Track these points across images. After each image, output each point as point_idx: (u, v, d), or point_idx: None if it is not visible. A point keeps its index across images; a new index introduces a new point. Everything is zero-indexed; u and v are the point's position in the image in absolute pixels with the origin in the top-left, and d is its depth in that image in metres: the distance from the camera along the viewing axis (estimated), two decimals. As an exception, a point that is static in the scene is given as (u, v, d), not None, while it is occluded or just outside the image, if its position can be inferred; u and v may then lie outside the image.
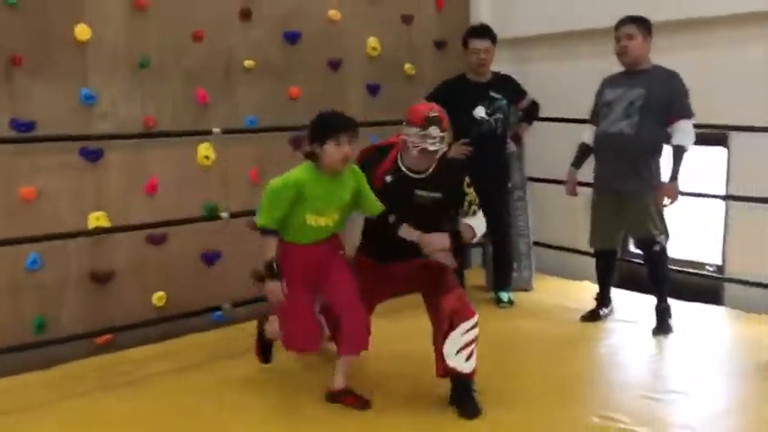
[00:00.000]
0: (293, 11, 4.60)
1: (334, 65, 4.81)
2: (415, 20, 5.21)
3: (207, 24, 4.21)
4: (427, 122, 3.07)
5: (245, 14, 4.36)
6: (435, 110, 3.14)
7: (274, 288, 3.07)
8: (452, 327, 3.02)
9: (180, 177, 4.20)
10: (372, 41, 4.98)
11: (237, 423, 3.11)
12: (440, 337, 3.07)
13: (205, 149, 4.24)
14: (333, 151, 3.02)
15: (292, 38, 4.59)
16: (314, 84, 4.72)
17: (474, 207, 3.27)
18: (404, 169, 3.21)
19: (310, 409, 3.19)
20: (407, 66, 5.20)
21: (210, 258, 4.35)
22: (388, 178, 3.21)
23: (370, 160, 3.29)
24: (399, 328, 3.92)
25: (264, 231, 3.08)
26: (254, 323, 3.71)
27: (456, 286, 3.19)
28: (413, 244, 3.14)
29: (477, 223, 3.28)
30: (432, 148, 3.08)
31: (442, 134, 3.10)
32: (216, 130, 4.19)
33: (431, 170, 3.22)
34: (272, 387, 3.45)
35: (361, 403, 3.16)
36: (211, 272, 4.36)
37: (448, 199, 3.24)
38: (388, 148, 3.31)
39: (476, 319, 3.07)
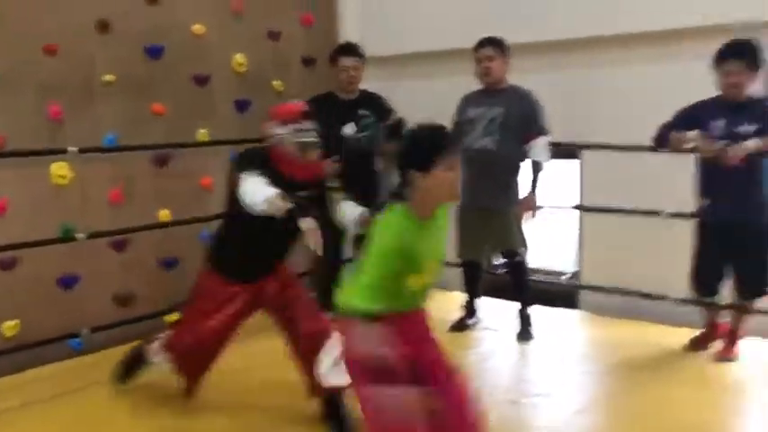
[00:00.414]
0: (156, 24, 4.46)
1: (201, 80, 4.71)
2: (282, 36, 5.20)
3: (61, 37, 3.99)
4: (302, 116, 3.00)
5: (103, 27, 4.17)
6: (305, 105, 3.11)
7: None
8: (318, 347, 2.94)
9: (32, 198, 3.95)
10: (239, 57, 4.92)
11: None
12: (306, 359, 3.06)
13: (59, 168, 4.01)
14: (445, 178, 2.23)
15: (155, 52, 4.45)
16: (179, 100, 4.60)
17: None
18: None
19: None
20: (276, 82, 5.18)
21: (67, 282, 4.11)
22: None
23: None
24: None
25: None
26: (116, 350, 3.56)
27: (313, 305, 3.22)
28: (285, 250, 3.13)
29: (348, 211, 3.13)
30: (312, 139, 2.98)
31: (314, 126, 3.01)
32: (72, 148, 3.98)
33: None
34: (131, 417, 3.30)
35: None
36: (69, 296, 4.12)
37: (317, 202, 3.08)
38: (265, 150, 3.05)
39: (337, 334, 3.02)
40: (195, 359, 3.22)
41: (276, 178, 2.83)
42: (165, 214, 4.50)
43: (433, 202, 2.27)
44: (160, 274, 4.56)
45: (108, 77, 4.22)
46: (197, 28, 4.66)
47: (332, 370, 2.91)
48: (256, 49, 5.05)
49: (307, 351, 3.07)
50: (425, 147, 2.26)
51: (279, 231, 2.90)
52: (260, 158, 2.95)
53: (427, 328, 2.50)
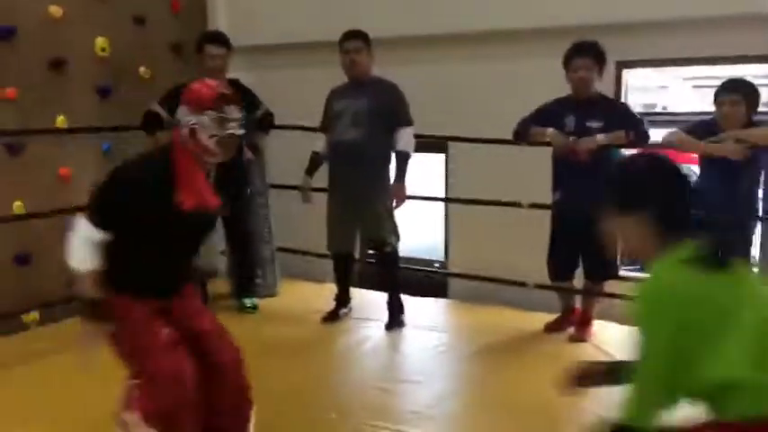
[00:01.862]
0: (6, 4, 4.18)
1: (57, 64, 4.45)
2: (148, 21, 5.01)
3: None
4: (222, 101, 2.38)
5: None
6: (221, 86, 2.50)
7: None
8: (244, 414, 2.60)
9: None
10: (101, 41, 4.69)
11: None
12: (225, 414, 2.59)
13: None
14: None
15: (6, 33, 4.16)
16: (34, 85, 4.33)
17: None
18: None
19: None
20: (142, 69, 4.98)
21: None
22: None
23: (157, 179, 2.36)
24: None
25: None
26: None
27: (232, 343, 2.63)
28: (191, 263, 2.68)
29: None
30: (237, 132, 2.41)
31: (240, 115, 2.43)
32: None
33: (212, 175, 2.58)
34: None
35: None
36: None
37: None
38: (164, 158, 2.41)
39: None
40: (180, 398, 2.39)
41: (164, 209, 2.32)
42: (18, 206, 4.23)
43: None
44: (15, 270, 4.29)
45: (-50, 59, 3.91)
46: (54, 10, 4.41)
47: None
48: (120, 34, 4.84)
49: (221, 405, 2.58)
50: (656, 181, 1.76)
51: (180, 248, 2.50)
52: (150, 177, 2.35)
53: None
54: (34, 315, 4.27)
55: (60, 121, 4.45)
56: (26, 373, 3.63)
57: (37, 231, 4.32)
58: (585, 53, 3.86)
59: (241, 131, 2.45)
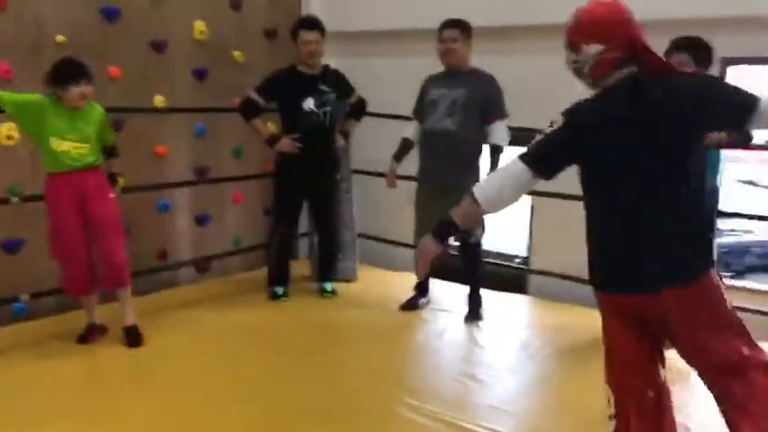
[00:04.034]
0: (113, -13, 4.36)
1: (158, 46, 4.61)
2: (244, 7, 5.12)
3: (12, -6, 3.88)
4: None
5: (57, -14, 4.06)
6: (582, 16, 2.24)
7: None
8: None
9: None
10: (199, 25, 4.83)
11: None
12: None
13: (8, 129, 3.89)
14: None
15: (111, 15, 4.34)
16: (135, 65, 4.50)
17: None
18: None
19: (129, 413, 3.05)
20: (236, 53, 5.10)
21: (12, 246, 4.01)
22: None
23: None
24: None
25: None
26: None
27: None
28: None
29: None
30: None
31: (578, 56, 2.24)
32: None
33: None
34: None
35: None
36: (12, 261, 4.02)
37: None
38: None
39: None
40: None
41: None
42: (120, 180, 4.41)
43: None
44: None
45: (59, 38, 4.10)
46: (157, -8, 4.56)
47: None
48: (218, 18, 4.96)
49: None
50: None
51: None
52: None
53: None
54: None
55: (158, 101, 4.61)
56: (116, 341, 3.79)
57: (133, 204, 4.49)
58: (683, 50, 3.69)
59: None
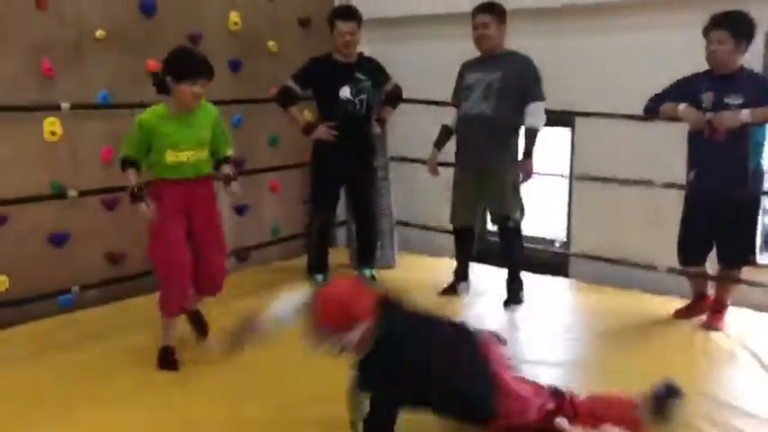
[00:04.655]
0: (149, -19, 4.40)
1: (194, 39, 4.65)
2: (277, -4, 5.14)
3: (52, -10, 3.95)
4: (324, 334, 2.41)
5: (95, -18, 4.12)
6: (329, 308, 2.41)
7: None
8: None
9: (23, 154, 3.93)
10: (234, 16, 4.86)
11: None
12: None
13: (51, 125, 3.98)
14: None
15: (148, 8, 4.39)
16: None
17: None
18: None
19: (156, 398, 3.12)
20: (271, 42, 5.12)
21: (58, 240, 4.11)
22: None
23: None
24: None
25: None
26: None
27: None
28: None
29: None
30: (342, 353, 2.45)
31: (348, 337, 2.38)
32: (64, 104, 3.94)
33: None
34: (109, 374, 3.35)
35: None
36: (59, 254, 4.13)
37: None
38: None
39: None
40: None
41: None
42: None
43: None
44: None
45: (99, 33, 4.16)
46: (191, -15, 4.60)
47: None
48: (252, 8, 4.99)
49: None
50: None
51: None
52: None
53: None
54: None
55: (195, 93, 4.66)
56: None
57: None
58: (721, 25, 3.60)
59: None
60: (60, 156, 4.08)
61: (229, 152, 3.48)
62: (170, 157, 3.18)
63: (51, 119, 3.97)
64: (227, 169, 3.45)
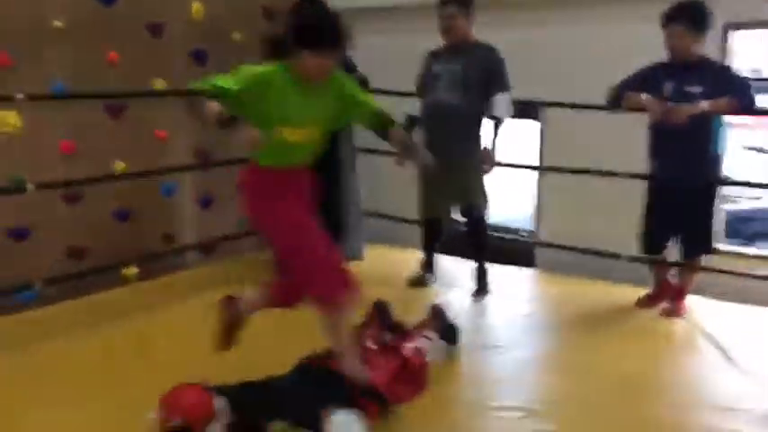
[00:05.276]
0: (108, -31, 4.32)
1: (156, 29, 4.58)
2: (242, -14, 5.08)
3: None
4: None
5: (52, -29, 4.03)
6: (176, 413, 2.34)
7: None
8: None
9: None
10: (197, 6, 4.79)
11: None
12: None
13: (7, 116, 3.87)
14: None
15: (108, -1, 4.32)
16: (134, 48, 4.47)
17: None
18: None
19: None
20: (236, 33, 5.06)
21: (18, 234, 4.03)
22: None
23: None
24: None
25: None
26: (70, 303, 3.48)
27: None
28: None
29: None
30: None
31: None
32: (20, 95, 3.85)
33: None
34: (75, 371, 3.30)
35: None
36: (20, 249, 4.04)
37: None
38: None
39: None
40: None
41: None
42: (120, 166, 4.41)
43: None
44: (115, 226, 4.50)
45: (57, 23, 4.08)
46: (152, -26, 4.52)
47: None
48: (215, -1, 4.92)
49: None
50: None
51: None
52: None
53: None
54: (134, 270, 4.45)
55: (158, 85, 4.59)
56: (125, 325, 3.81)
57: (136, 190, 4.51)
58: (677, 17, 3.66)
59: None
60: (19, 148, 3.99)
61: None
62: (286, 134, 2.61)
63: (7, 111, 3.87)
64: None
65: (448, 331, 3.40)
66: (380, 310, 3.40)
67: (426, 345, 3.18)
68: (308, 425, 2.45)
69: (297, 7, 2.81)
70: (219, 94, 2.54)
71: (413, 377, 2.97)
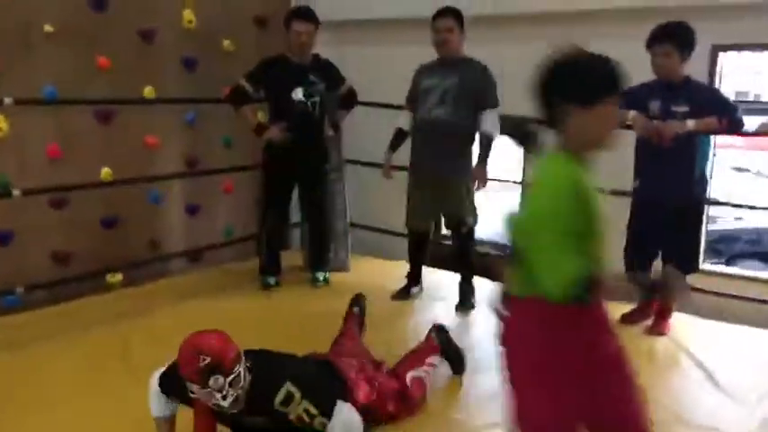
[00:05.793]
0: (100, -25, 4.31)
1: (147, 35, 4.57)
2: (234, -6, 5.09)
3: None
4: (205, 375, 2.27)
5: (43, -25, 4.02)
6: (206, 351, 2.27)
7: None
8: None
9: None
10: (188, 14, 4.79)
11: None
12: None
13: (-2, 120, 3.87)
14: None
15: (99, 4, 4.30)
16: (125, 55, 4.46)
17: None
18: None
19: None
20: (226, 42, 5.07)
21: (2, 238, 3.99)
22: None
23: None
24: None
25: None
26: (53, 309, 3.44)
27: None
28: None
29: None
30: (225, 403, 2.31)
31: (230, 378, 2.29)
32: (8, 99, 3.84)
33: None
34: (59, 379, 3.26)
35: None
36: (4, 253, 4.01)
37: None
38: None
39: None
40: None
41: None
42: (107, 172, 4.39)
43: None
44: (100, 232, 4.48)
45: (48, 28, 4.06)
46: (144, -19, 4.52)
47: None
48: (207, 6, 4.92)
49: None
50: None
51: None
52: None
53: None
54: (118, 276, 4.44)
55: (148, 92, 4.58)
56: (108, 331, 3.78)
57: (123, 196, 4.49)
58: (664, 38, 3.70)
59: (235, 395, 2.33)
60: (6, 152, 3.96)
61: None
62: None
63: (-2, 115, 3.86)
64: None
65: (455, 360, 3.34)
66: (356, 303, 3.56)
67: (430, 375, 3.12)
68: (321, 407, 2.41)
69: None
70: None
71: (406, 406, 2.92)
